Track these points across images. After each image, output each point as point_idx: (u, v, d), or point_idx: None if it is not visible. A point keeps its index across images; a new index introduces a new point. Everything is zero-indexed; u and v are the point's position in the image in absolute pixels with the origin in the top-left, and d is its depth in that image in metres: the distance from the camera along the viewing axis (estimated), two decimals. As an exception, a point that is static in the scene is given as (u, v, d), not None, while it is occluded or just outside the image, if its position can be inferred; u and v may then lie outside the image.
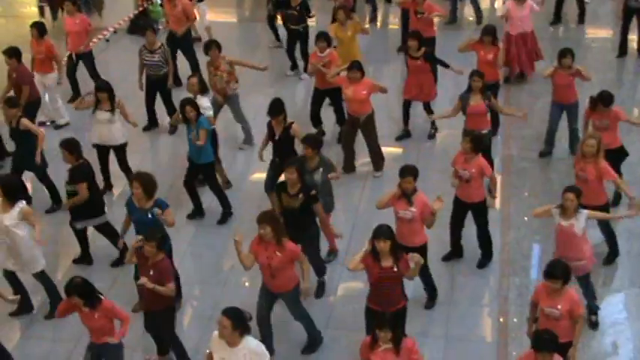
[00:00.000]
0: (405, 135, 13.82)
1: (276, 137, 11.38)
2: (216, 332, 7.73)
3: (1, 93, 13.29)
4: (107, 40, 17.62)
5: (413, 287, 10.46)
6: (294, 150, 11.39)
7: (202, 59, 13.80)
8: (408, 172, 9.53)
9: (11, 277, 10.04)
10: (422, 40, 13.23)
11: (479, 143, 10.42)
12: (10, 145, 12.82)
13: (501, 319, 10.09)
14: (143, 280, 8.68)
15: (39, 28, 13.95)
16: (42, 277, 10.04)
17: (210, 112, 12.20)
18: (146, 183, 9.58)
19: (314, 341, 9.55)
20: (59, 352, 9.75)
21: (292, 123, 11.34)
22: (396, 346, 7.67)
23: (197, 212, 11.98)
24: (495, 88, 13.37)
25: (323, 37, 13.31)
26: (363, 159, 13.06)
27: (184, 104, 11.36)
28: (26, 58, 13.58)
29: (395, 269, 8.54)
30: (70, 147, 10.57)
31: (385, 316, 7.79)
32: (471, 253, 10.96)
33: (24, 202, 9.79)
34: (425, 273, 9.92)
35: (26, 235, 9.67)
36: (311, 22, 15.91)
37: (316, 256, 10.22)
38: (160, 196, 9.86)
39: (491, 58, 13.33)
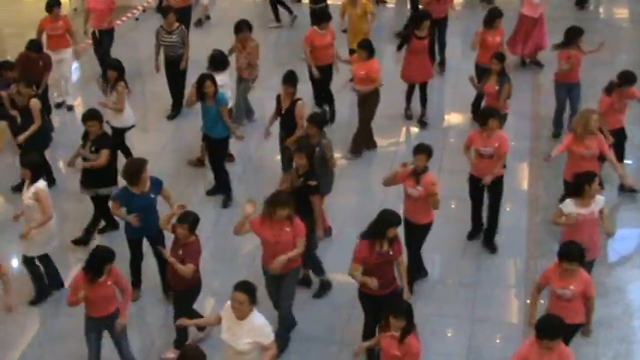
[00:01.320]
0: (411, 116, 13.85)
1: (283, 111, 11.42)
2: (229, 302, 7.74)
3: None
4: (136, 19, 17.65)
5: (439, 269, 10.49)
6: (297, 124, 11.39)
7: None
8: (423, 149, 9.53)
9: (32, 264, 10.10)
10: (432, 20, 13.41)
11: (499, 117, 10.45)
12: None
13: (528, 301, 10.05)
14: (166, 254, 8.83)
15: (54, 5, 14.00)
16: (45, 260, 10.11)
17: (229, 92, 12.29)
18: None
19: (285, 333, 9.44)
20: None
21: (299, 99, 11.38)
22: (402, 335, 7.67)
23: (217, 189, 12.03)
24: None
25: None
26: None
27: (204, 79, 11.36)
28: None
29: (390, 253, 8.57)
30: (99, 117, 10.71)
31: (403, 305, 7.76)
32: (498, 236, 10.92)
33: (43, 182, 9.82)
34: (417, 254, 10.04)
35: (38, 217, 9.71)
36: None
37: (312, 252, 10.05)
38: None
39: (498, 40, 13.29)
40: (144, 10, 17.91)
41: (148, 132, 13.20)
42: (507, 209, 11.40)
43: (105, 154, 10.56)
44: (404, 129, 13.62)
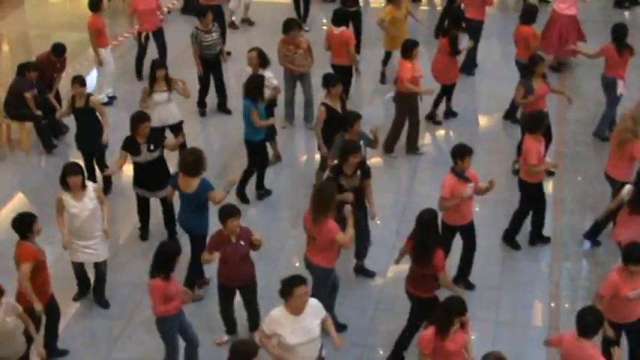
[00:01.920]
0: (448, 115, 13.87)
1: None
2: (276, 311, 7.76)
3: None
4: (169, 12, 17.72)
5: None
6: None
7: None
8: (468, 152, 9.53)
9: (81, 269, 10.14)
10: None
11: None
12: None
13: (552, 305, 10.02)
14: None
15: (92, 4, 14.16)
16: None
17: (275, 82, 12.36)
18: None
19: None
20: (113, 328, 9.92)
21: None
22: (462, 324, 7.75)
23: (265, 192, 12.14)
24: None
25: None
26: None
27: (259, 81, 11.45)
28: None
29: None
30: (149, 117, 10.76)
31: (461, 301, 7.76)
32: (522, 237, 10.88)
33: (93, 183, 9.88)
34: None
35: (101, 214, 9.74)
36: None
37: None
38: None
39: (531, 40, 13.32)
40: (169, 12, 17.98)
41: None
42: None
43: (176, 140, 10.93)
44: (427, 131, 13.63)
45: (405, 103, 12.51)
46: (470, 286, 10.16)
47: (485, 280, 10.34)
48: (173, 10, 18.27)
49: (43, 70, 13.07)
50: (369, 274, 10.51)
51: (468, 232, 9.90)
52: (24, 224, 8.82)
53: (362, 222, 10.04)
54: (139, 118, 10.52)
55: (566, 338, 7.74)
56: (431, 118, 13.67)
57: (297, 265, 10.52)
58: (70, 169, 9.53)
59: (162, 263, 8.33)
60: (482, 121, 13.95)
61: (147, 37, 15.06)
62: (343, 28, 13.57)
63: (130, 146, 10.55)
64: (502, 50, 15.67)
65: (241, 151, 12.11)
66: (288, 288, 7.64)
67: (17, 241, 8.86)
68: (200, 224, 9.83)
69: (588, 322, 7.51)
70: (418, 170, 12.57)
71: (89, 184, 9.70)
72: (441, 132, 13.57)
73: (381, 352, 9.43)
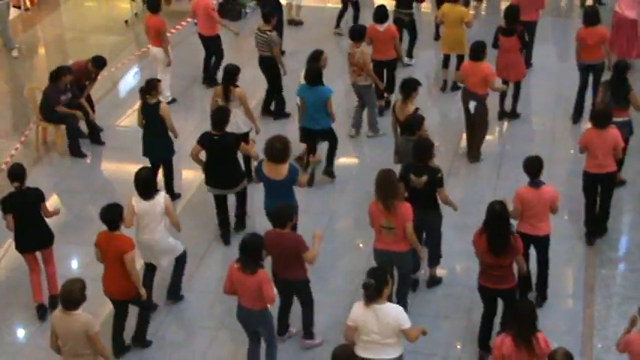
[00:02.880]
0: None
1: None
2: (359, 302, 7.93)
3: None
4: (195, 24, 17.78)
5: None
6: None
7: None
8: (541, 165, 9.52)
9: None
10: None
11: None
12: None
13: (587, 311, 9.94)
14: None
15: (150, 4, 14.33)
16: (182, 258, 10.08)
17: None
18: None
19: None
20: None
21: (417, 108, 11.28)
22: None
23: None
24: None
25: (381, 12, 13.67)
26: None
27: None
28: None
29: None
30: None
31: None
32: (555, 245, 10.81)
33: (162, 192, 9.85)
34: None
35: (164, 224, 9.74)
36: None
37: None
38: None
39: (594, 41, 13.14)
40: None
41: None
42: (565, 218, 11.27)
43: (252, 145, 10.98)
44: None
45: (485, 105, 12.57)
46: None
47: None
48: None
49: (77, 77, 13.15)
50: (436, 282, 10.44)
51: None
52: (115, 215, 8.97)
53: (435, 225, 10.04)
54: (220, 121, 10.67)
55: (633, 339, 7.71)
56: (506, 114, 13.80)
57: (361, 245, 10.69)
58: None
59: (257, 256, 8.44)
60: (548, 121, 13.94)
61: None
62: (387, 24, 13.65)
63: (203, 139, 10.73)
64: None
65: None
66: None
67: (103, 233, 9.00)
68: None
69: None
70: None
71: (163, 192, 9.79)
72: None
73: (413, 356, 9.39)
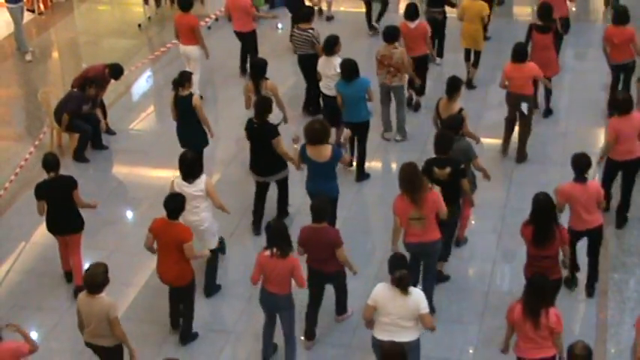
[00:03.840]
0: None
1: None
2: (383, 283, 8.21)
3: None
4: (209, 28, 17.84)
5: (508, 281, 10.38)
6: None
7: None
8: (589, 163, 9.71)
9: None
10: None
11: None
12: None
13: (600, 315, 9.92)
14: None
15: (183, 3, 14.45)
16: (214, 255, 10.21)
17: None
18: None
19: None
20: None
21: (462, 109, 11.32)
22: None
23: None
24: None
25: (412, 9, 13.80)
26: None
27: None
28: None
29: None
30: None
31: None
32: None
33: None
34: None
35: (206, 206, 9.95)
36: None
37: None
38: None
39: (620, 40, 13.15)
40: (216, 19, 18.10)
41: (220, 140, 13.31)
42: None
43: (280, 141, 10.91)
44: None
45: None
46: None
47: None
48: (220, 17, 18.38)
49: (90, 81, 13.18)
50: (443, 279, 10.47)
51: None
52: (178, 204, 9.16)
53: (453, 219, 10.12)
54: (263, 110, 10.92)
55: None
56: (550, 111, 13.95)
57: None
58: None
59: (287, 239, 8.68)
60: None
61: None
62: (418, 21, 13.77)
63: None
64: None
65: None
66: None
67: (160, 220, 9.18)
68: (332, 188, 10.45)
69: None
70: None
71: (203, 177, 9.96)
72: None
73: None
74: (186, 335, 9.69)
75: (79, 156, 13.26)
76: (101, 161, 13.35)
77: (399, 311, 8.11)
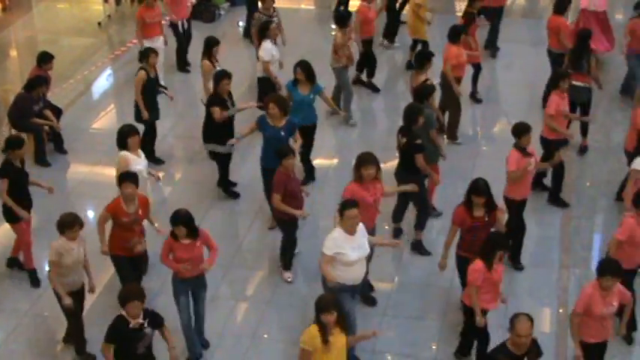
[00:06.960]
0: None
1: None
2: (334, 233, 8.68)
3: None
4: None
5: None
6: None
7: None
8: (528, 129, 10.10)
9: None
10: None
11: None
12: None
13: (560, 310, 10.00)
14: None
15: None
16: None
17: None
18: (281, 103, 10.86)
19: None
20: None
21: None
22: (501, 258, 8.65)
23: None
24: None
25: None
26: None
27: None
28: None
29: (486, 219, 9.17)
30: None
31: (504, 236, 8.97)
32: (529, 246, 10.87)
33: None
34: None
35: None
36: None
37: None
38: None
39: None
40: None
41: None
42: (539, 218, 11.34)
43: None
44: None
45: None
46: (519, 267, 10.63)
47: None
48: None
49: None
50: (424, 252, 10.85)
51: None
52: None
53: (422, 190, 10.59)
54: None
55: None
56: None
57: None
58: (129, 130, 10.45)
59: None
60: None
61: (182, 25, 15.35)
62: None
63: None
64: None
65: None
66: (341, 210, 8.62)
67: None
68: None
69: None
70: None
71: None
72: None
73: (389, 357, 9.43)
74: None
75: (40, 159, 13.07)
76: (60, 161, 13.21)
77: (360, 244, 8.79)
